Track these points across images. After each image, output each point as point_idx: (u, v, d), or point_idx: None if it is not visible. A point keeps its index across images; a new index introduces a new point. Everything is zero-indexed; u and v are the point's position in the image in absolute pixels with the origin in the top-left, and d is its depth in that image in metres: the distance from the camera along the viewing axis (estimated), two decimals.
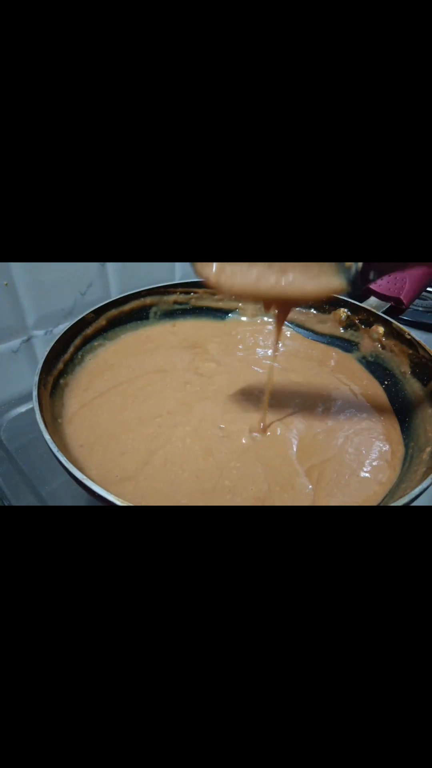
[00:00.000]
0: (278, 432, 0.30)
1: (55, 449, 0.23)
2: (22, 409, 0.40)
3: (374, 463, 0.28)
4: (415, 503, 0.32)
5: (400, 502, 0.21)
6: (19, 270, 0.36)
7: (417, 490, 0.21)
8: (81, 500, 0.32)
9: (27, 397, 0.40)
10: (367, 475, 0.27)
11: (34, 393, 0.27)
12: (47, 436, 0.24)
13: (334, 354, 0.40)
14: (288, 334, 0.43)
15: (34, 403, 0.26)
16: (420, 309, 0.62)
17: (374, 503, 0.25)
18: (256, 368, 0.37)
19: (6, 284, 0.36)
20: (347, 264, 0.23)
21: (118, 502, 0.20)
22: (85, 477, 0.21)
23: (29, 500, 0.31)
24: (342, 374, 0.37)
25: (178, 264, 0.49)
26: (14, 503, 0.31)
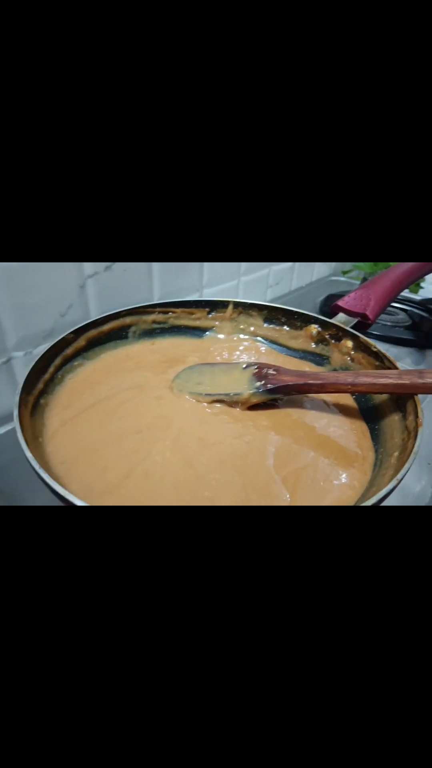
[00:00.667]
0: (256, 442, 0.31)
1: (36, 466, 0.24)
2: (1, 430, 0.40)
3: (347, 469, 0.30)
4: (386, 503, 0.33)
5: (369, 503, 0.22)
6: (2, 292, 0.37)
7: (384, 491, 0.23)
8: None
9: (6, 419, 0.40)
10: (340, 480, 0.29)
11: (15, 413, 0.28)
12: (29, 454, 0.24)
13: (307, 368, 0.42)
14: (263, 349, 0.45)
15: (15, 423, 0.27)
16: (388, 324, 0.66)
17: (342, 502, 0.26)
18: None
19: None
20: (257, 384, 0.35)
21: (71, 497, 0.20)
22: (66, 491, 0.22)
23: None
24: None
25: (156, 284, 0.50)
26: None
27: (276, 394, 0.35)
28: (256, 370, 0.36)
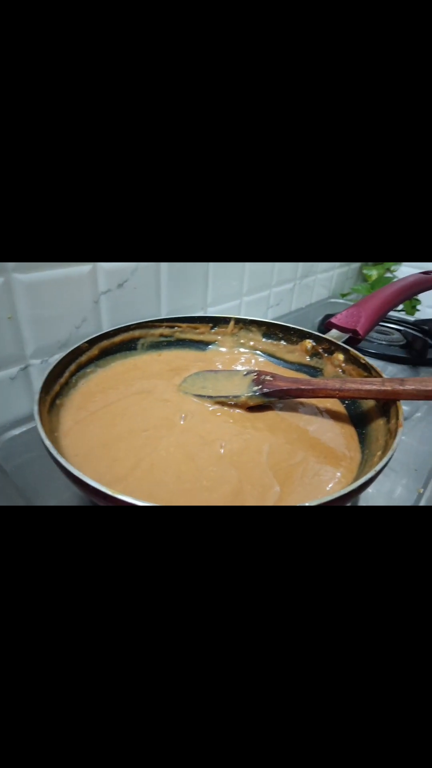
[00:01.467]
0: (252, 441, 0.34)
1: (54, 453, 0.27)
2: (17, 431, 0.43)
3: (335, 467, 0.32)
4: (373, 503, 0.36)
5: (345, 490, 0.25)
6: (22, 305, 0.41)
7: (364, 479, 0.25)
8: None
9: (23, 420, 0.44)
10: (328, 476, 0.31)
11: (35, 408, 0.31)
12: (48, 443, 0.27)
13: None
14: (261, 361, 0.48)
15: (35, 417, 0.30)
16: (384, 343, 0.69)
17: (331, 497, 0.29)
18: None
19: (10, 318, 0.40)
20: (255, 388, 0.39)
21: (114, 494, 0.23)
22: (82, 473, 0.25)
23: None
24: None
25: (164, 301, 0.54)
26: None
27: (272, 398, 0.38)
28: (255, 376, 0.40)
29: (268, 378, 0.39)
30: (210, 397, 0.39)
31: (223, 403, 0.39)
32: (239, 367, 0.47)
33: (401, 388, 0.32)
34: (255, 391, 0.38)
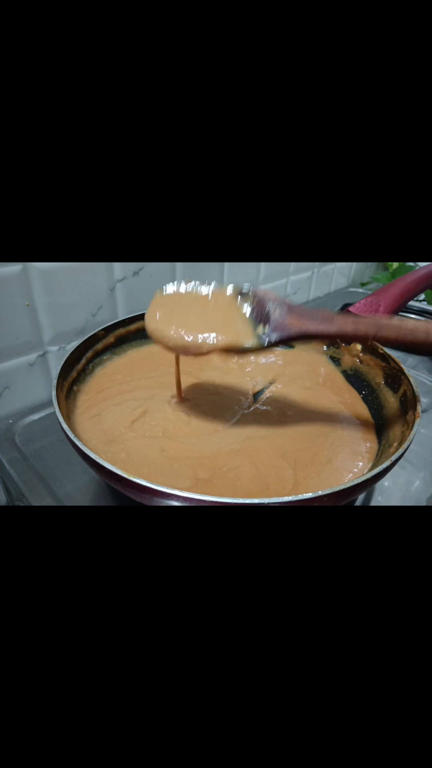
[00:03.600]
0: (272, 421, 0.34)
1: (72, 436, 0.27)
2: (36, 416, 0.44)
3: (352, 456, 0.32)
4: (390, 496, 0.35)
5: (362, 478, 0.24)
6: (39, 292, 0.41)
7: (378, 470, 0.25)
8: (90, 495, 0.35)
9: (41, 406, 0.45)
10: (344, 463, 0.31)
11: (53, 393, 0.31)
12: (66, 427, 0.28)
13: (322, 369, 0.45)
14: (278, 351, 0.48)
15: (54, 402, 0.30)
16: None
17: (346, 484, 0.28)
18: (247, 368, 0.42)
19: (27, 304, 0.41)
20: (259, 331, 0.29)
21: (131, 477, 0.23)
22: (99, 457, 0.25)
23: (46, 499, 0.34)
24: (327, 387, 0.42)
25: None
26: (33, 502, 0.34)
27: (288, 342, 0.29)
28: (256, 308, 0.29)
29: (276, 313, 0.28)
30: (193, 342, 0.28)
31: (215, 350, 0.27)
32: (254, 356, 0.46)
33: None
34: (263, 336, 0.28)
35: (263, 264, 0.66)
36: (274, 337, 0.27)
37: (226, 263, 0.59)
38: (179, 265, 0.52)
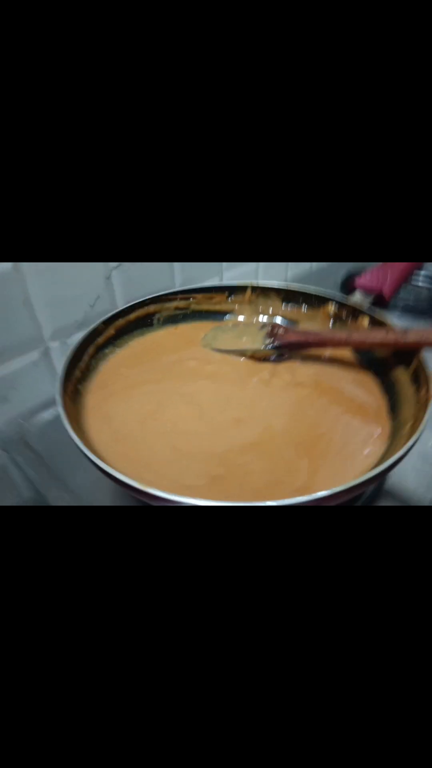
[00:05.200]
0: (272, 405, 0.35)
1: (81, 445, 0.27)
2: (46, 414, 0.44)
3: (364, 438, 0.32)
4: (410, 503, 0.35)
5: (382, 467, 0.24)
6: (34, 287, 0.40)
7: (399, 454, 0.25)
8: (103, 489, 0.35)
9: (49, 403, 0.44)
10: (357, 447, 0.31)
11: (58, 400, 0.31)
12: (72, 434, 0.28)
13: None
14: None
15: (59, 409, 0.30)
16: (410, 303, 0.65)
17: (363, 472, 0.28)
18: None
19: (24, 302, 0.40)
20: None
21: (143, 488, 0.23)
22: (109, 467, 0.25)
23: (61, 494, 0.35)
24: (335, 364, 0.41)
25: (177, 271, 0.52)
26: (51, 502, 0.35)
27: (283, 350, 0.41)
28: (269, 330, 0.43)
29: (280, 332, 0.42)
30: (228, 351, 0.43)
31: (241, 355, 0.42)
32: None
33: (404, 337, 0.34)
34: (267, 344, 0.41)
35: (262, 264, 0.65)
36: (272, 343, 0.42)
37: (224, 263, 0.58)
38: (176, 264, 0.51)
